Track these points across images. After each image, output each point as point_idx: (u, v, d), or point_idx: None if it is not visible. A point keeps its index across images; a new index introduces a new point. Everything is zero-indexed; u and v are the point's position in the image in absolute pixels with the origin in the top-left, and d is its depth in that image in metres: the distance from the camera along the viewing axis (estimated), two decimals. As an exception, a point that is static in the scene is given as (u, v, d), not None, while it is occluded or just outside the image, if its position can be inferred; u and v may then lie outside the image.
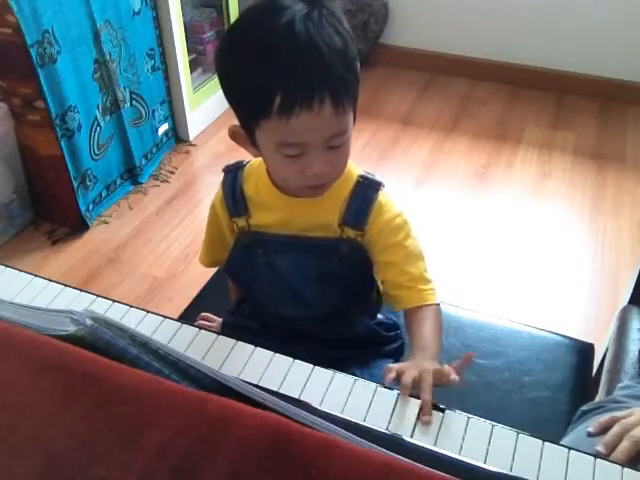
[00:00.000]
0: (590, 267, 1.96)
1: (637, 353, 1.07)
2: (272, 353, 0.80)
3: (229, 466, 0.47)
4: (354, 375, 0.78)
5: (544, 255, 2.00)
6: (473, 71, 2.88)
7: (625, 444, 0.71)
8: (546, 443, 0.69)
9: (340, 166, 0.86)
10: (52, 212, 2.10)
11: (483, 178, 2.34)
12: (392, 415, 0.72)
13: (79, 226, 2.09)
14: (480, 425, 0.71)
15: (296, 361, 0.79)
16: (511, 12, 2.71)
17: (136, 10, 2.12)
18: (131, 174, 2.29)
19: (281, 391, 0.74)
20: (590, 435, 0.77)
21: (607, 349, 1.16)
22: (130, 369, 0.54)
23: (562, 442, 0.74)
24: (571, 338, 1.19)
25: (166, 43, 2.30)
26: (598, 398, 1.04)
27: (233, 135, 0.88)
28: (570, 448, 0.68)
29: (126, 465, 0.48)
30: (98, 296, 0.87)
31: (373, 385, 0.76)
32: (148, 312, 0.85)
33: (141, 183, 2.30)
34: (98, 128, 2.08)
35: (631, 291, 1.25)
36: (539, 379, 1.09)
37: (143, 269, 1.96)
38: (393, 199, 0.93)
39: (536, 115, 2.68)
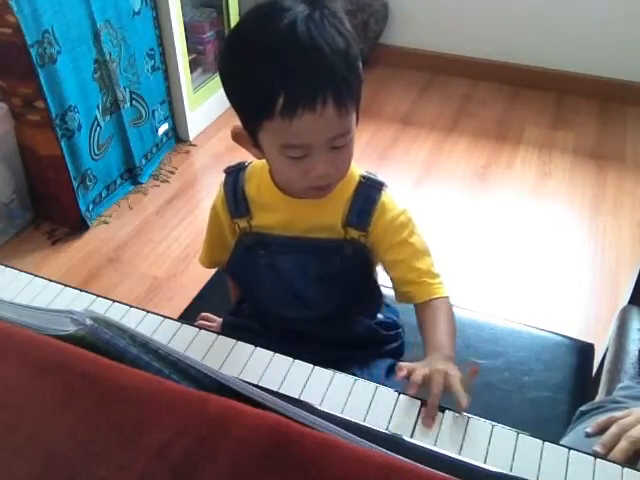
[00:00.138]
0: (590, 267, 1.96)
1: (637, 353, 1.07)
2: (272, 353, 0.80)
3: (229, 466, 0.47)
4: (354, 375, 0.78)
5: (544, 255, 2.00)
6: (473, 71, 2.88)
7: (623, 444, 0.71)
8: (546, 443, 0.69)
9: (344, 167, 0.85)
10: (52, 212, 2.10)
11: (483, 178, 2.34)
12: (392, 415, 0.72)
13: (79, 226, 2.09)
14: (480, 425, 0.71)
15: (296, 361, 0.79)
16: (511, 12, 2.71)
17: (136, 10, 2.12)
18: (131, 174, 2.29)
19: (281, 391, 0.74)
20: (588, 435, 0.78)
21: (607, 349, 1.16)
22: (130, 369, 0.54)
23: (562, 442, 0.74)
24: (571, 338, 1.19)
25: (166, 43, 2.30)
26: (598, 398, 1.04)
27: (236, 137, 0.88)
28: (570, 448, 0.68)
29: (126, 465, 0.48)
30: (98, 296, 0.87)
31: (373, 385, 0.76)
32: (148, 312, 0.85)
33: (141, 183, 2.30)
34: (98, 128, 2.08)
35: (631, 291, 1.25)
36: (539, 379, 1.09)
37: (143, 269, 1.96)
38: (396, 197, 0.93)
39: (536, 115, 2.68)
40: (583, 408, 0.90)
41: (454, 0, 2.79)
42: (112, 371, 0.54)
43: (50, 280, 0.90)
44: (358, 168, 0.92)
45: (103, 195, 2.19)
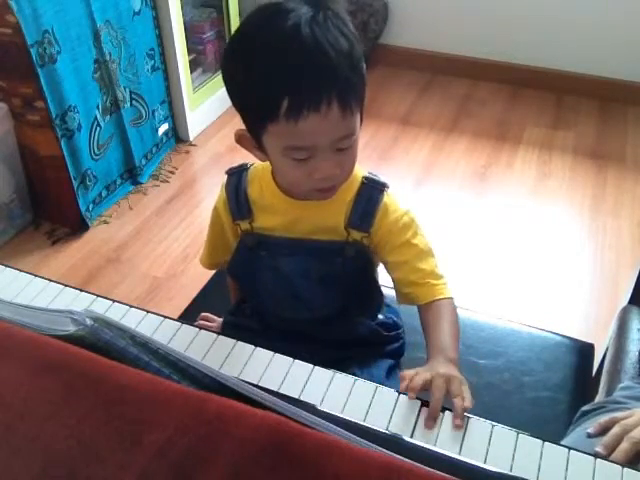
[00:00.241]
0: (590, 267, 1.96)
1: (637, 353, 1.07)
2: (272, 353, 0.80)
3: (229, 466, 0.47)
4: (354, 375, 0.78)
5: (544, 255, 2.00)
6: (473, 71, 2.88)
7: (625, 445, 0.71)
8: (546, 443, 0.69)
9: (348, 168, 0.85)
10: (52, 212, 2.10)
11: (483, 178, 2.34)
12: (392, 415, 0.72)
13: (79, 226, 2.09)
14: (480, 425, 0.71)
15: (296, 361, 0.79)
16: (511, 12, 2.71)
17: (136, 10, 2.12)
18: (131, 174, 2.29)
19: (281, 391, 0.74)
20: (590, 436, 0.77)
21: (607, 349, 1.16)
22: (130, 369, 0.54)
23: (562, 442, 0.74)
24: (571, 338, 1.19)
25: (166, 43, 2.30)
26: (598, 398, 1.04)
27: (239, 139, 0.87)
28: (570, 448, 0.68)
29: (126, 465, 0.48)
30: (98, 296, 0.87)
31: (373, 385, 0.76)
32: (148, 312, 0.85)
33: (141, 183, 2.30)
34: (98, 128, 2.08)
35: (631, 291, 1.25)
36: (539, 379, 1.09)
37: (143, 269, 1.96)
38: (398, 198, 0.93)
39: (536, 115, 2.68)
40: (585, 408, 0.90)
41: (454, 0, 2.79)
42: (112, 371, 0.54)
43: (50, 280, 0.90)
44: (361, 169, 0.92)
45: (103, 195, 2.19)
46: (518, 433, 0.70)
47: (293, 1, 0.78)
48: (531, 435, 0.70)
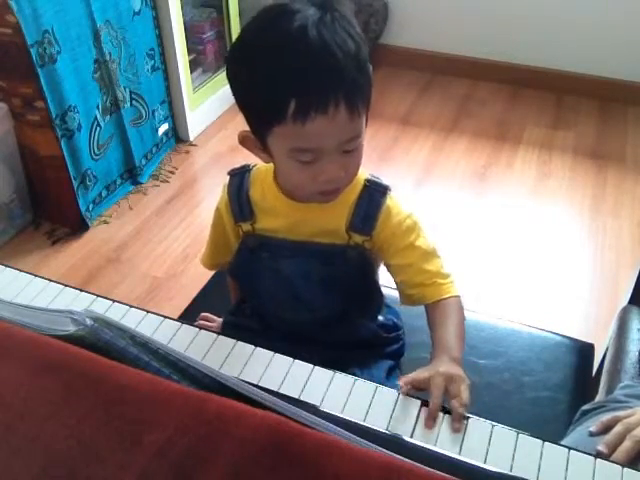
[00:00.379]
0: (590, 267, 1.96)
1: (637, 353, 1.07)
2: (272, 353, 0.80)
3: (229, 466, 0.47)
4: (354, 375, 0.78)
5: (544, 255, 2.00)
6: (473, 71, 2.88)
7: (627, 444, 0.71)
8: (546, 443, 0.69)
9: (353, 171, 0.85)
10: (52, 212, 2.10)
11: (483, 178, 2.34)
12: (392, 415, 0.72)
13: (79, 226, 2.09)
14: (480, 425, 0.71)
15: (296, 361, 0.79)
16: (511, 12, 2.71)
17: (136, 10, 2.12)
18: (131, 174, 2.29)
19: (281, 391, 0.74)
20: (592, 434, 0.77)
21: (607, 349, 1.16)
22: (130, 369, 0.54)
23: (563, 442, 0.74)
24: (571, 338, 1.19)
25: (166, 43, 2.30)
26: (598, 398, 1.04)
27: (243, 140, 0.87)
28: (570, 448, 0.68)
29: (126, 465, 0.48)
30: (98, 296, 0.87)
31: (373, 385, 0.76)
32: (148, 312, 0.85)
33: (141, 183, 2.30)
34: (98, 128, 2.08)
35: (631, 291, 1.25)
36: (539, 379, 1.09)
37: (143, 269, 1.96)
38: (401, 201, 0.92)
39: (536, 115, 2.68)
40: (585, 407, 0.90)
41: (454, 0, 2.79)
42: (112, 371, 0.54)
43: (50, 280, 0.90)
44: (363, 172, 0.91)
45: (103, 195, 2.19)
46: (518, 433, 0.70)
47: (299, 2, 0.77)
48: (531, 435, 0.70)
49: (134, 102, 2.21)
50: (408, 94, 2.83)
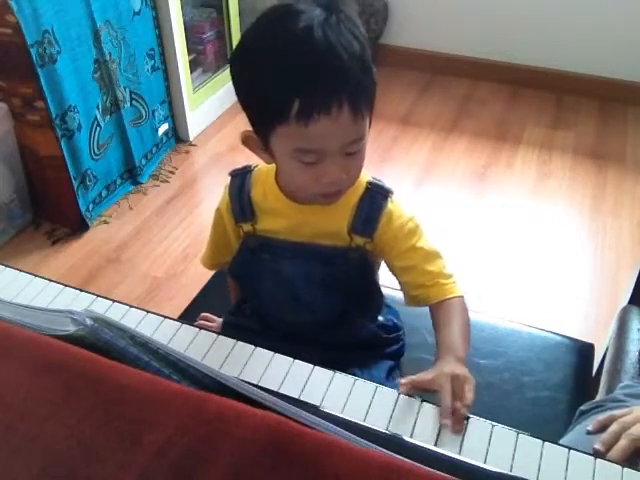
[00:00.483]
0: (590, 267, 1.96)
1: (637, 353, 1.07)
2: (272, 353, 0.80)
3: (229, 466, 0.47)
4: (354, 375, 0.78)
5: (544, 255, 2.00)
6: (473, 71, 2.88)
7: (623, 442, 0.71)
8: (546, 443, 0.69)
9: (355, 173, 0.85)
10: (52, 212, 2.10)
11: (483, 178, 2.34)
12: (392, 415, 0.72)
13: (79, 226, 2.09)
14: (480, 425, 0.71)
15: (296, 361, 0.79)
16: (511, 12, 2.71)
17: (136, 10, 2.12)
18: (131, 174, 2.29)
19: (281, 391, 0.74)
20: (589, 433, 0.77)
21: (607, 349, 1.16)
22: (130, 369, 0.54)
23: (562, 441, 0.74)
24: (571, 338, 1.19)
25: (166, 43, 2.30)
26: (598, 398, 1.04)
27: (245, 140, 0.87)
28: (570, 448, 0.68)
29: (126, 465, 0.48)
30: (98, 296, 0.87)
31: (373, 385, 0.76)
32: (148, 312, 0.85)
33: (141, 183, 2.30)
34: (98, 128, 2.08)
35: (631, 291, 1.25)
36: (539, 379, 1.09)
37: (143, 269, 1.96)
38: (403, 204, 0.92)
39: (536, 115, 2.68)
40: (583, 407, 0.90)
41: (454, 0, 2.79)
42: (112, 371, 0.54)
43: (50, 280, 0.90)
44: (365, 174, 0.91)
45: (103, 195, 2.19)
46: (518, 433, 0.70)
47: (304, 3, 0.77)
48: (531, 435, 0.70)
49: (134, 102, 2.21)
50: (408, 94, 2.83)
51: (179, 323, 0.84)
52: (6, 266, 0.92)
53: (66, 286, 0.89)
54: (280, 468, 0.47)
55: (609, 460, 0.68)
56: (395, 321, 1.06)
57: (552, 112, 2.69)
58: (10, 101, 1.88)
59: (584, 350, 1.17)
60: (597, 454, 0.68)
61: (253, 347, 0.81)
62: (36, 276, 0.91)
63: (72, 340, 0.55)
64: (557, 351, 1.15)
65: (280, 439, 0.48)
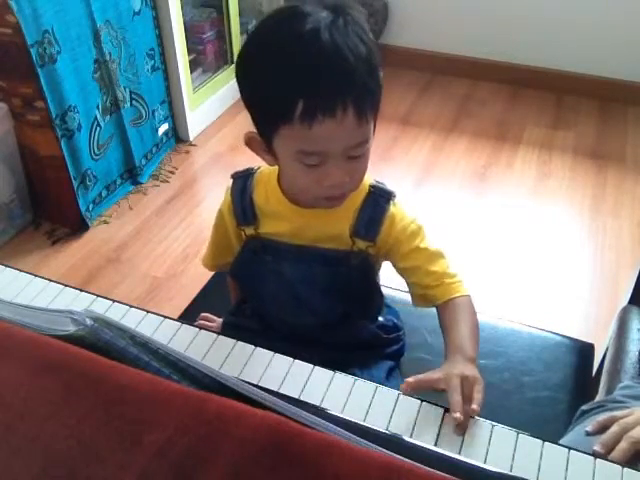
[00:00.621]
0: (590, 267, 1.96)
1: (637, 353, 1.07)
2: (272, 353, 0.80)
3: (229, 466, 0.47)
4: (354, 375, 0.78)
5: (544, 255, 2.00)
6: (473, 71, 2.88)
7: (623, 444, 0.71)
8: (546, 443, 0.69)
9: (358, 177, 0.85)
10: (52, 212, 2.10)
11: (483, 178, 2.34)
12: (392, 415, 0.72)
13: (79, 226, 2.09)
14: (480, 425, 0.71)
15: (296, 361, 0.79)
16: (511, 12, 2.71)
17: (136, 10, 2.12)
18: (131, 174, 2.29)
19: (281, 391, 0.74)
20: (588, 434, 0.77)
21: (607, 349, 1.16)
22: (130, 369, 0.54)
23: (561, 441, 0.74)
24: (571, 338, 1.19)
25: (166, 43, 2.30)
26: (598, 398, 1.04)
27: (249, 141, 0.86)
28: (570, 448, 0.68)
29: (126, 465, 0.48)
30: (98, 296, 0.87)
31: (373, 385, 0.76)
32: (148, 312, 0.85)
33: (141, 183, 2.30)
34: (98, 128, 2.08)
35: (631, 291, 1.25)
36: (539, 379, 1.09)
37: (143, 269, 1.96)
38: (405, 207, 0.92)
39: (536, 115, 2.68)
40: (584, 407, 0.90)
41: (454, 0, 2.79)
42: (112, 371, 0.54)
43: (50, 280, 0.90)
44: (368, 177, 0.91)
45: (103, 195, 2.19)
46: (518, 433, 0.70)
47: (311, 5, 0.77)
48: (531, 435, 0.70)
49: (134, 102, 2.21)
50: (408, 94, 2.83)
51: (179, 323, 0.84)
52: (6, 266, 0.92)
53: (66, 286, 0.89)
54: (280, 468, 0.47)
55: (609, 460, 0.68)
56: (395, 321, 1.06)
57: (552, 112, 2.69)
58: (10, 101, 1.88)
59: (584, 350, 1.17)
60: (597, 456, 0.68)
61: (253, 347, 0.81)
62: (36, 276, 0.91)
63: (72, 340, 0.55)
64: (557, 351, 1.15)
65: (280, 439, 0.48)
